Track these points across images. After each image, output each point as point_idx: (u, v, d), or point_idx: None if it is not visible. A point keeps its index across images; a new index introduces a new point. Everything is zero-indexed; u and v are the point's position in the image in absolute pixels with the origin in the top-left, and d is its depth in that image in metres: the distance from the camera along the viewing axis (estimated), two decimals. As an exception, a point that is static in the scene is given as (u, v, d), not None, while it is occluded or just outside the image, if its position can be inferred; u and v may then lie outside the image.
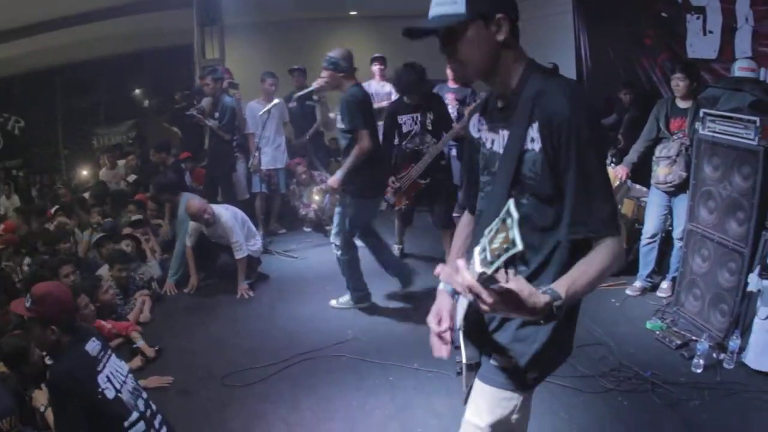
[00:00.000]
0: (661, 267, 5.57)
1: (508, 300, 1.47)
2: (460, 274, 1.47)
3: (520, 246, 1.26)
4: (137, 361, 4.51)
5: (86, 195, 8.24)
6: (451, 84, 7.42)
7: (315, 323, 5.17)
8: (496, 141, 1.97)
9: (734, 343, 4.10)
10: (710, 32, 5.67)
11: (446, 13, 1.80)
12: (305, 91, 6.07)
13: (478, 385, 2.03)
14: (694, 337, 4.48)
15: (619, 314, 5.10)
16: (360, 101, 4.86)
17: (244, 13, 9.99)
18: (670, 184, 5.08)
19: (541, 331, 1.90)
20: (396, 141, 5.88)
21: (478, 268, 1.38)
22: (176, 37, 11.09)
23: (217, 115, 7.11)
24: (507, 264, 1.32)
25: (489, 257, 1.34)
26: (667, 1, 6.22)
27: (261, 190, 7.64)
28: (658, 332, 4.68)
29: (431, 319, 2.05)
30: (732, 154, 4.34)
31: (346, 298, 5.46)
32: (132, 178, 9.44)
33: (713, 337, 4.33)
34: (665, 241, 5.48)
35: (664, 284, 5.42)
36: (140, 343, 4.71)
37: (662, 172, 5.11)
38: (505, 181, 1.86)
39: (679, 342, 4.46)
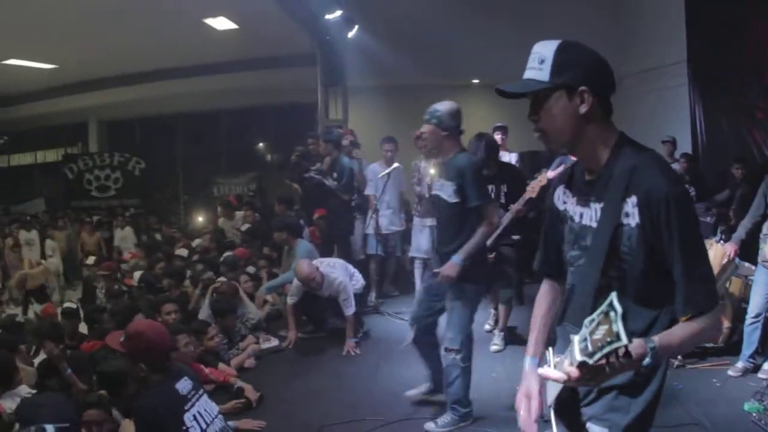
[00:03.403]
0: (765, 347, 5.40)
1: (607, 374, 1.57)
2: (554, 376, 1.63)
3: (624, 341, 1.34)
4: (232, 404, 4.61)
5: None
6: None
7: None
8: (586, 214, 1.95)
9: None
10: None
11: (533, 77, 1.85)
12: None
13: None
14: (791, 422, 4.38)
15: (718, 395, 4.99)
16: (481, 171, 4.34)
17: (366, 76, 10.32)
18: (777, 262, 4.99)
19: (635, 402, 1.90)
20: None
21: (579, 357, 1.46)
22: (299, 95, 11.60)
23: (335, 175, 7.42)
24: (609, 355, 1.41)
25: (590, 348, 1.42)
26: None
27: (377, 252, 7.67)
28: (754, 414, 4.58)
29: (520, 402, 2.08)
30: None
31: (447, 418, 4.35)
32: (245, 227, 9.51)
33: (811, 422, 4.22)
34: (770, 322, 5.33)
35: (766, 365, 5.27)
36: (242, 383, 4.88)
37: (769, 249, 5.02)
38: (598, 257, 1.85)
39: (773, 425, 4.36)
